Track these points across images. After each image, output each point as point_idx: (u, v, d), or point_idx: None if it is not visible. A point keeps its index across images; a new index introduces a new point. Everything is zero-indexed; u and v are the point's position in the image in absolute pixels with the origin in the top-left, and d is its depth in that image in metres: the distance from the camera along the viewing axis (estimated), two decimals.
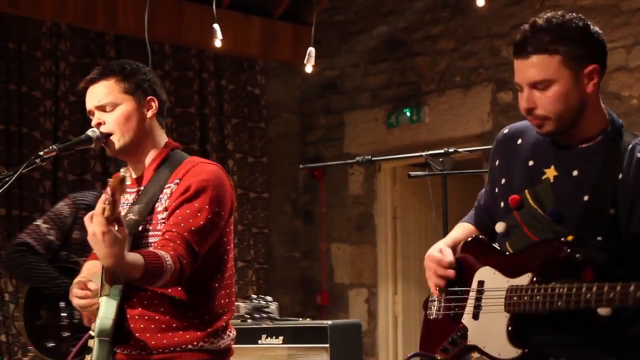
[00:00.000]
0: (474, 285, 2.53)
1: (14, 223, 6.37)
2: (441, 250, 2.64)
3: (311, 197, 7.90)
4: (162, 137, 2.93)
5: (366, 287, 7.46)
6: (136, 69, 2.89)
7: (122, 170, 2.37)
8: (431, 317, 2.68)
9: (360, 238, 7.51)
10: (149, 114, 2.88)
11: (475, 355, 2.45)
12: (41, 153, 2.73)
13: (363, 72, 7.51)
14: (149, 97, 2.88)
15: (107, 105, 2.84)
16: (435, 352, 2.58)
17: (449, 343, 2.56)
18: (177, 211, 2.74)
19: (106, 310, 2.77)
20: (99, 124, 2.85)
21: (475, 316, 2.51)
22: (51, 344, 4.10)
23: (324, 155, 7.72)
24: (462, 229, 2.76)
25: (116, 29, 6.77)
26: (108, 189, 2.39)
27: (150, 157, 2.89)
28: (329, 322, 4.78)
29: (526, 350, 2.34)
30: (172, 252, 2.66)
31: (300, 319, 5.19)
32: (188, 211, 2.73)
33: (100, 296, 2.81)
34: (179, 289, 2.77)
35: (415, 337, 7.38)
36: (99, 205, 2.42)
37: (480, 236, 2.65)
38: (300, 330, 4.91)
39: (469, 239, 2.65)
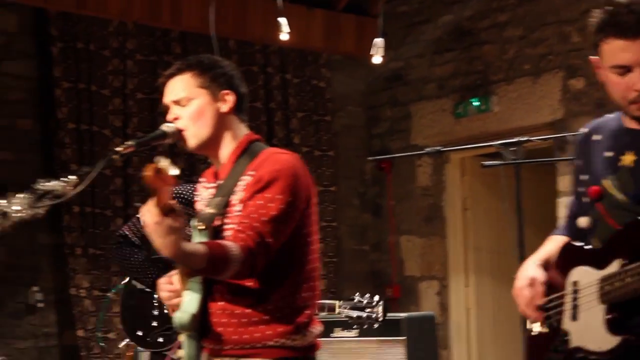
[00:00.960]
0: (568, 287, 2.52)
1: (87, 220, 6.48)
2: (532, 281, 2.61)
3: (379, 189, 7.89)
4: (241, 131, 2.92)
5: (437, 280, 7.43)
6: (213, 63, 2.90)
7: (157, 159, 2.37)
8: (533, 334, 2.65)
9: (429, 230, 7.48)
10: (225, 108, 2.87)
11: None
12: (119, 149, 2.75)
13: (429, 63, 7.47)
14: (224, 91, 2.87)
15: (182, 100, 2.86)
16: None
17: (553, 351, 2.53)
18: (250, 202, 2.73)
19: (186, 304, 2.80)
20: (175, 119, 2.87)
21: (574, 317, 2.49)
22: (140, 333, 4.23)
23: (390, 148, 7.69)
24: (554, 242, 2.74)
25: (181, 25, 6.83)
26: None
27: (229, 150, 2.89)
28: (404, 314, 4.77)
29: (626, 336, 2.31)
30: (241, 243, 2.65)
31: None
32: (260, 202, 2.72)
33: (183, 291, 2.83)
34: (260, 282, 2.76)
35: (488, 329, 7.33)
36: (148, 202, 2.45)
37: (570, 242, 2.62)
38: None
39: (560, 248, 2.63)
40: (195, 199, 3.08)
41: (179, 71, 2.89)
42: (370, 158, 5.55)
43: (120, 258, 4.19)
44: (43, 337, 6.44)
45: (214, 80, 2.86)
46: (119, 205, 6.60)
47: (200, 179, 3.08)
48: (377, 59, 4.96)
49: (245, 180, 2.80)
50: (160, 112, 6.85)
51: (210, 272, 2.65)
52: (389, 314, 4.91)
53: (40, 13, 6.49)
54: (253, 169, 2.81)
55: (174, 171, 2.36)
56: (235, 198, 2.80)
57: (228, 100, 2.88)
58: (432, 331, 4.87)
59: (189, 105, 2.86)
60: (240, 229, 2.70)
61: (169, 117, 2.89)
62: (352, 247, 7.88)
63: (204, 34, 6.77)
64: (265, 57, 7.35)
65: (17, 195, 2.63)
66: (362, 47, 7.43)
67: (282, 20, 5.44)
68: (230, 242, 2.64)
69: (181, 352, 2.91)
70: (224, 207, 2.79)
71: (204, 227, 2.76)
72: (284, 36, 4.99)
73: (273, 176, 2.75)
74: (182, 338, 2.85)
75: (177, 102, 2.88)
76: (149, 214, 2.45)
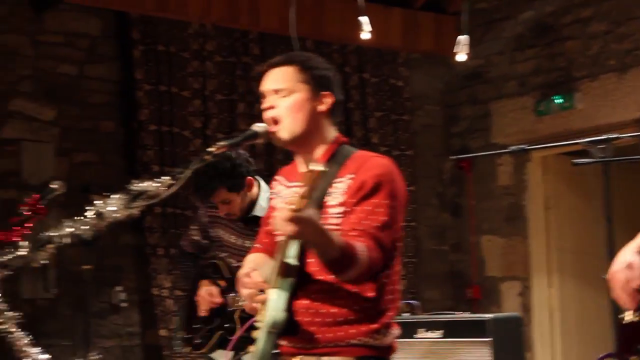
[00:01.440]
0: None
1: (169, 221, 6.55)
2: (629, 265, 2.54)
3: (458, 189, 7.81)
4: (332, 134, 2.92)
5: (519, 280, 7.32)
6: (318, 63, 2.90)
7: (315, 165, 2.37)
8: (625, 322, 2.58)
9: (511, 230, 7.38)
10: (321, 108, 2.87)
11: None
12: (212, 149, 2.76)
13: (509, 60, 7.37)
14: (324, 92, 2.87)
15: (283, 91, 2.84)
16: (629, 354, 2.49)
17: None
18: (357, 209, 2.73)
19: (277, 302, 2.79)
20: (270, 107, 2.87)
21: None
22: (185, 335, 4.39)
23: (470, 147, 7.61)
24: None
25: (259, 26, 6.87)
26: (302, 183, 2.40)
27: (319, 152, 2.89)
28: (490, 315, 4.70)
29: None
30: (364, 245, 2.64)
31: (460, 312, 5.14)
32: (368, 208, 2.72)
33: (271, 288, 2.83)
34: (348, 283, 2.76)
35: (573, 330, 7.21)
36: (290, 199, 2.45)
37: None
38: (458, 323, 4.84)
39: None
40: (271, 195, 3.09)
41: (285, 63, 2.88)
42: (452, 157, 5.49)
43: (176, 266, 4.31)
44: (126, 337, 6.53)
45: (317, 80, 2.86)
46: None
47: (277, 177, 3.08)
48: (461, 56, 4.90)
49: (344, 183, 2.79)
50: (239, 113, 6.90)
51: (338, 265, 2.62)
52: (475, 315, 4.88)
53: (122, 17, 6.59)
54: (351, 172, 2.79)
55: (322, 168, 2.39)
56: (332, 200, 2.79)
57: (326, 102, 2.88)
58: (518, 332, 4.79)
59: (288, 97, 2.85)
60: (356, 234, 2.68)
61: (264, 105, 2.87)
62: (431, 248, 7.83)
63: (282, 35, 6.79)
64: (343, 56, 7.34)
65: (112, 195, 2.66)
66: (441, 45, 7.39)
67: (363, 19, 5.41)
68: (359, 243, 2.64)
69: (253, 348, 2.92)
70: (317, 209, 2.78)
71: None
72: (365, 35, 4.97)
73: (377, 181, 2.74)
74: (259, 334, 2.86)
75: (276, 91, 2.86)
76: (284, 213, 2.48)
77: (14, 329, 2.60)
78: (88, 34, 6.55)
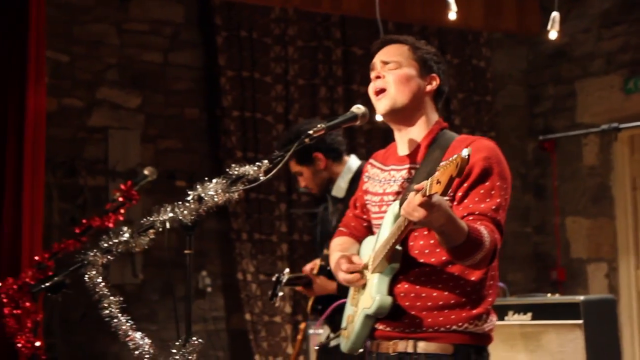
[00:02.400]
0: None
1: (252, 206, 6.59)
2: None
3: (541, 170, 7.69)
4: (434, 116, 2.93)
5: (606, 262, 7.18)
6: (429, 49, 2.95)
7: (464, 151, 2.32)
8: None
9: (597, 211, 7.24)
10: (427, 88, 2.90)
11: None
12: (310, 132, 2.76)
13: (596, 37, 7.20)
14: (432, 74, 2.91)
15: (393, 63, 2.88)
16: None
17: None
18: (470, 193, 2.72)
19: (380, 286, 2.78)
20: (377, 77, 2.87)
21: None
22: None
23: (554, 127, 7.48)
24: None
25: (341, 9, 6.83)
26: (447, 166, 2.35)
27: (421, 133, 2.89)
28: (582, 297, 4.59)
29: None
30: (485, 227, 2.62)
31: (549, 294, 5.04)
32: (482, 191, 2.71)
33: (372, 272, 2.82)
34: (452, 266, 2.74)
35: None
36: (424, 184, 2.42)
37: None
38: (549, 306, 4.73)
39: None
40: (364, 179, 3.07)
41: (399, 41, 2.94)
42: (540, 138, 5.39)
43: None
44: (212, 321, 6.60)
45: (426, 61, 2.91)
46: (282, 190, 6.68)
47: (372, 160, 3.06)
48: (552, 34, 4.79)
49: None
50: (321, 98, 6.90)
51: (464, 251, 2.59)
52: (566, 297, 4.78)
53: (205, 3, 6.63)
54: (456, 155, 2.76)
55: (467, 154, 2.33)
56: None
57: (432, 84, 2.91)
58: (612, 315, 4.66)
59: (398, 69, 2.87)
60: (475, 218, 2.66)
61: (373, 75, 2.91)
62: (514, 230, 7.72)
63: (363, 18, 6.75)
64: (425, 38, 7.24)
65: (211, 180, 2.67)
66: (523, 24, 7.25)
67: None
68: (482, 228, 2.61)
69: (344, 332, 2.91)
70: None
71: None
72: (452, 15, 4.90)
73: (486, 164, 2.73)
74: (357, 318, 2.85)
75: (385, 63, 2.89)
76: (414, 198, 2.44)
77: (117, 314, 2.63)
78: (172, 21, 6.61)
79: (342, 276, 2.91)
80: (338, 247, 3.12)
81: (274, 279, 4.24)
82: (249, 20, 6.66)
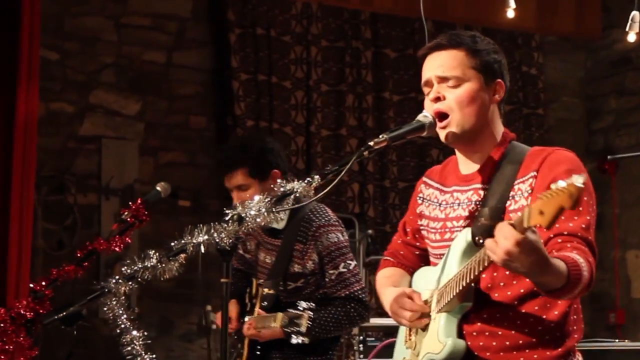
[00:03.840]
0: None
1: None
2: None
3: (600, 195, 7.65)
4: (501, 127, 2.87)
5: None
6: (487, 45, 2.85)
7: (578, 179, 2.28)
8: None
9: None
10: (494, 99, 2.82)
11: None
12: (371, 144, 2.71)
13: None
14: (497, 80, 2.83)
15: (453, 79, 2.79)
16: None
17: None
18: None
19: (447, 329, 2.74)
20: (437, 99, 2.82)
21: None
22: None
23: (615, 145, 7.49)
24: None
25: (372, 6, 6.85)
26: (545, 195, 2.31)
27: (488, 148, 2.83)
28: None
29: None
30: (579, 253, 2.57)
31: (617, 340, 5.04)
32: None
33: (439, 311, 2.80)
34: (531, 299, 2.71)
35: None
36: (516, 217, 2.37)
37: None
38: (612, 354, 4.77)
39: None
40: (417, 200, 3.04)
41: (452, 45, 2.83)
42: (604, 158, 5.37)
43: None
44: None
45: (489, 66, 2.82)
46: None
47: (426, 179, 3.04)
48: (631, 36, 4.79)
49: (526, 184, 2.72)
50: (347, 107, 6.89)
51: (562, 292, 2.53)
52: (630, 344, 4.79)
53: None
54: (533, 170, 2.73)
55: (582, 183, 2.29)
56: (515, 204, 2.72)
57: (499, 91, 2.83)
58: None
59: (459, 87, 2.80)
60: (564, 240, 2.61)
61: (432, 95, 2.82)
62: None
63: (397, 15, 6.77)
64: None
65: (254, 198, 2.65)
66: (582, 26, 7.28)
67: None
68: (578, 256, 2.55)
69: None
70: (499, 217, 2.73)
71: (481, 241, 2.70)
72: (510, 13, 4.89)
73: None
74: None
75: (444, 80, 2.81)
76: (507, 235, 2.37)
77: (140, 351, 2.61)
78: (177, 15, 6.62)
79: (406, 315, 2.87)
80: (388, 280, 3.07)
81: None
82: (266, 16, 6.67)
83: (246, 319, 4.21)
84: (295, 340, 3.83)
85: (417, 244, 3.07)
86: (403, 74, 7.05)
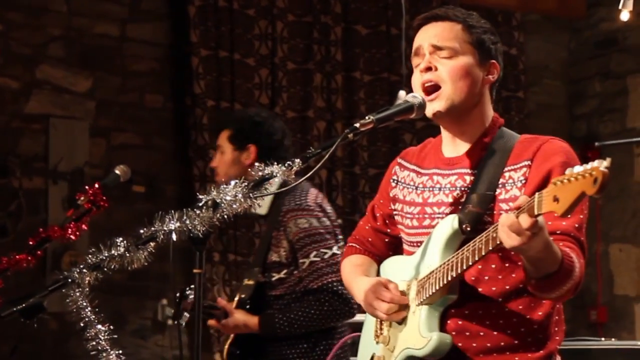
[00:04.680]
0: None
1: (226, 220, 6.56)
2: None
3: None
4: (491, 112, 2.92)
5: None
6: (485, 25, 2.91)
7: (603, 163, 2.31)
8: None
9: None
10: (488, 78, 2.87)
11: None
12: (357, 125, 2.73)
13: None
14: (492, 61, 2.88)
15: (447, 50, 2.83)
16: None
17: None
18: None
19: (429, 323, 2.78)
20: (428, 69, 2.85)
21: None
22: None
23: (599, 132, 7.58)
24: None
25: None
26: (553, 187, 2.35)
27: (476, 132, 2.88)
28: None
29: None
30: (572, 252, 2.62)
31: (603, 339, 5.11)
32: None
33: (420, 304, 2.82)
34: (516, 300, 2.75)
35: None
36: (524, 201, 2.42)
37: None
38: (602, 353, 4.82)
39: None
40: (390, 183, 3.06)
41: (449, 18, 2.88)
42: (586, 145, 5.43)
43: None
44: None
45: (483, 45, 2.87)
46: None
47: (401, 160, 3.06)
48: (624, 14, 4.85)
49: (519, 172, 2.77)
50: (315, 86, 6.90)
51: (551, 282, 2.59)
52: (626, 342, 4.85)
53: None
54: (526, 159, 2.78)
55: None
56: (506, 193, 2.77)
57: (493, 72, 2.89)
58: None
59: (454, 58, 2.84)
60: (557, 238, 2.65)
61: (422, 65, 2.85)
62: None
63: None
64: None
65: (230, 183, 2.66)
66: (565, 4, 7.35)
67: None
68: (569, 251, 2.61)
69: None
70: (488, 204, 2.76)
71: (468, 229, 2.74)
72: None
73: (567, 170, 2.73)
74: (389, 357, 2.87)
75: (438, 49, 2.85)
76: (523, 221, 2.43)
77: (106, 347, 2.62)
78: None
79: (384, 307, 2.88)
80: (358, 269, 3.09)
81: (177, 294, 4.24)
82: None
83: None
84: None
85: (388, 230, 3.10)
86: (375, 52, 7.07)
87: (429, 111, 2.84)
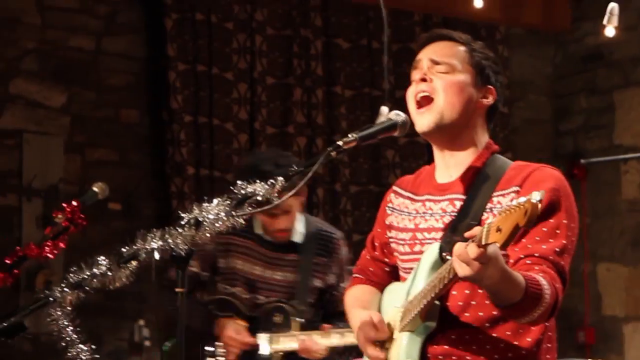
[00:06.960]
0: None
1: None
2: None
3: None
4: (484, 137, 3.01)
5: None
6: (487, 53, 3.03)
7: (535, 195, 2.41)
8: None
9: (638, 257, 7.36)
10: (483, 101, 2.97)
11: None
12: (340, 143, 2.81)
13: None
14: (488, 86, 2.98)
15: (445, 65, 2.94)
16: None
17: None
18: (531, 230, 2.76)
19: (409, 349, 2.85)
20: (423, 79, 2.95)
21: None
22: None
23: (585, 148, 7.61)
24: None
25: None
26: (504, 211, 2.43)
27: (468, 157, 2.97)
28: None
29: None
30: (545, 276, 2.69)
31: None
32: (545, 229, 2.78)
33: (401, 330, 2.90)
34: (503, 322, 2.82)
35: None
36: (478, 231, 2.49)
37: None
38: None
39: None
40: (386, 210, 3.15)
41: (452, 39, 3.01)
42: (584, 162, 5.44)
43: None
44: None
45: (483, 70, 2.98)
46: None
47: (396, 188, 3.15)
48: (609, 30, 4.93)
49: (507, 197, 2.85)
50: (295, 101, 6.95)
51: (519, 310, 2.66)
52: None
53: None
54: (516, 185, 2.86)
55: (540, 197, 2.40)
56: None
57: (488, 97, 2.99)
58: None
59: (450, 74, 2.94)
60: (533, 262, 2.74)
61: (418, 76, 2.96)
62: None
63: (350, 2, 6.85)
64: (427, 29, 7.34)
65: (212, 201, 2.74)
66: (550, 18, 7.39)
67: None
68: (542, 279, 2.68)
69: None
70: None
71: (448, 257, 2.78)
72: (478, 3, 5.02)
73: (553, 197, 2.80)
74: None
75: (436, 63, 2.96)
76: (471, 252, 2.50)
77: None
78: None
79: (369, 350, 2.98)
80: (357, 302, 3.17)
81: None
82: (207, 0, 6.71)
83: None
84: None
85: (386, 259, 3.19)
86: (356, 66, 7.12)
87: (419, 127, 2.94)
